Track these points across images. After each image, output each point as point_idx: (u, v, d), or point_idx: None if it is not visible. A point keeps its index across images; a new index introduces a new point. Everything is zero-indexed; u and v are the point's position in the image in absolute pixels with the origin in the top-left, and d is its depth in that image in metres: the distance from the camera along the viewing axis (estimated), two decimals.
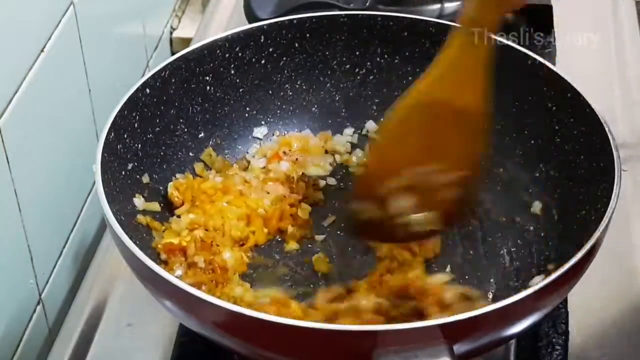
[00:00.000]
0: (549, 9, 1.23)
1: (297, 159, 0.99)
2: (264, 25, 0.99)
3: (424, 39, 0.99)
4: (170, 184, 0.93)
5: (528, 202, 0.93)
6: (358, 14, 1.00)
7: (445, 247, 0.91)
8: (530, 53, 0.94)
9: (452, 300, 0.81)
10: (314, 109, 1.03)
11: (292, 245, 0.92)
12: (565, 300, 0.89)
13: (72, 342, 0.92)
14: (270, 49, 0.99)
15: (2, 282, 0.91)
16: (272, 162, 0.99)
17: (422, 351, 0.67)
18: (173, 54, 0.97)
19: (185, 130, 0.96)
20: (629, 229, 0.99)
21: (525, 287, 0.78)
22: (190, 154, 0.97)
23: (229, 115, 1.00)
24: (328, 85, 1.02)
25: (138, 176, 0.90)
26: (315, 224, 0.94)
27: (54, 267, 1.02)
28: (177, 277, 0.80)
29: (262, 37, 0.99)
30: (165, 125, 0.94)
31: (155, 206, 0.91)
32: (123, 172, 0.88)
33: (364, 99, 1.02)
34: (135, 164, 0.90)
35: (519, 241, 0.91)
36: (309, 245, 0.92)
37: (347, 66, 1.01)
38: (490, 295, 0.87)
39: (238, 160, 1.00)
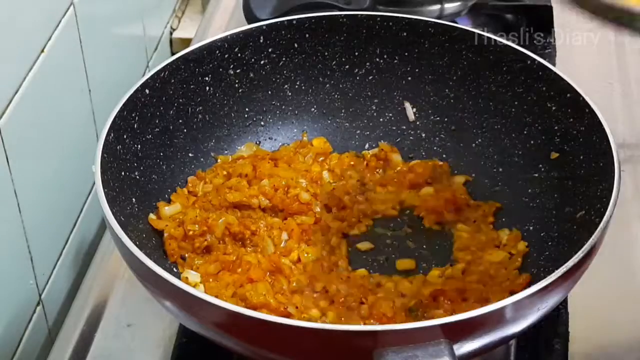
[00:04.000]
0: (549, 9, 1.23)
1: None
2: (263, 25, 0.99)
3: (423, 39, 0.99)
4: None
5: (528, 203, 0.93)
6: (357, 15, 1.00)
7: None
8: (530, 53, 0.94)
9: None
10: (313, 109, 1.03)
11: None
12: (565, 301, 0.89)
13: (72, 343, 0.92)
14: (270, 50, 0.99)
15: (2, 282, 0.91)
16: None
17: (422, 351, 0.67)
18: (173, 54, 0.97)
19: (185, 130, 0.96)
20: (629, 230, 0.99)
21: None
22: (190, 154, 0.97)
23: (229, 116, 1.00)
24: (327, 85, 1.02)
25: (138, 177, 0.90)
26: None
27: (54, 267, 1.02)
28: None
29: (262, 37, 0.99)
30: (165, 125, 0.94)
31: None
32: (123, 173, 0.88)
33: (363, 99, 1.02)
34: (135, 164, 0.90)
35: None
36: None
37: (347, 66, 1.01)
38: None
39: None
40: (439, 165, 0.99)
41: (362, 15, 1.00)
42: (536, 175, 0.93)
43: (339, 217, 0.94)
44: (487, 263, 0.88)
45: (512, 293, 0.83)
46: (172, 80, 0.94)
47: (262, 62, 1.00)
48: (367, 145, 1.02)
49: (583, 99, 0.88)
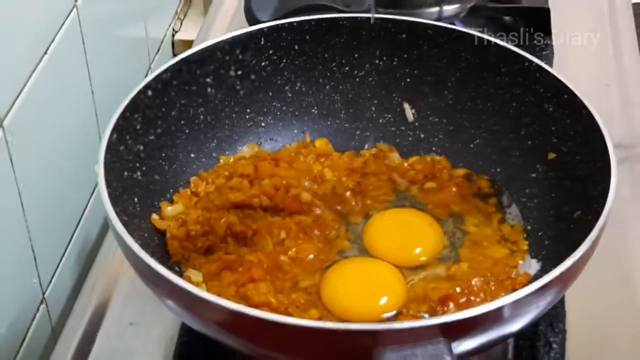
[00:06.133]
0: (546, 11, 1.24)
1: None
2: (264, 27, 0.99)
3: (422, 41, 0.99)
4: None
5: (525, 203, 0.94)
6: (357, 17, 1.01)
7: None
8: (528, 55, 0.94)
9: None
10: (313, 110, 1.03)
11: None
12: (563, 300, 0.90)
13: (75, 341, 0.93)
14: (271, 51, 1.00)
15: (5, 281, 0.92)
16: None
17: (421, 350, 0.68)
18: (175, 56, 0.98)
19: (187, 131, 0.97)
20: (626, 230, 0.99)
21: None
22: (192, 155, 0.98)
23: (230, 117, 1.00)
24: (327, 87, 1.03)
25: (140, 177, 0.91)
26: None
27: (57, 266, 1.02)
28: None
29: (263, 39, 0.99)
30: (167, 126, 0.95)
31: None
32: (125, 173, 0.88)
33: (363, 100, 1.03)
34: (138, 164, 0.90)
35: None
36: None
37: (347, 68, 1.02)
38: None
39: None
40: (437, 160, 0.99)
41: (361, 17, 1.00)
42: (534, 175, 0.94)
43: (340, 213, 0.95)
44: (490, 260, 0.89)
45: (513, 291, 0.84)
46: (174, 82, 0.94)
47: (263, 63, 1.00)
48: (366, 146, 1.02)
49: (580, 100, 0.88)
